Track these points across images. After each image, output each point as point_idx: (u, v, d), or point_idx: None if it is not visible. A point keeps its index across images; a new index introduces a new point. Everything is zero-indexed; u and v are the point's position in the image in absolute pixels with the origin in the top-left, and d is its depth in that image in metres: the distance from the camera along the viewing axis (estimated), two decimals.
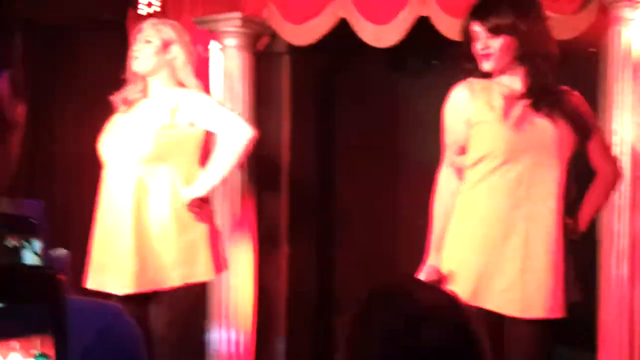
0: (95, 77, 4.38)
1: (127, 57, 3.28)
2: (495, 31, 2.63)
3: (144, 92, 3.28)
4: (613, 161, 2.88)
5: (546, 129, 2.62)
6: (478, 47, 2.67)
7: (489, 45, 2.64)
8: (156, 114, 3.20)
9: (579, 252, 2.71)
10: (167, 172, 3.19)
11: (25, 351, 0.69)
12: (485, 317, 2.59)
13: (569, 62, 3.50)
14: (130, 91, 3.28)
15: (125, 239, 3.14)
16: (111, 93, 3.32)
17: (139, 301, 3.16)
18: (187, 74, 3.28)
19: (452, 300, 1.36)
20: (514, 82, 2.68)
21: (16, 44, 0.86)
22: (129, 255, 3.12)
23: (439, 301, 1.34)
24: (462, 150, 2.70)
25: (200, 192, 3.19)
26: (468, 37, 2.70)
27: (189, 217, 3.20)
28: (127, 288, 3.14)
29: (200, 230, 3.24)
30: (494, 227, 2.62)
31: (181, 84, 3.28)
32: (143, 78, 3.27)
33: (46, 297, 0.70)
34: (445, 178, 2.75)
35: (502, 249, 2.61)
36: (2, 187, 0.90)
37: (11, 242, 0.90)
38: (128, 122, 3.24)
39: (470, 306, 2.56)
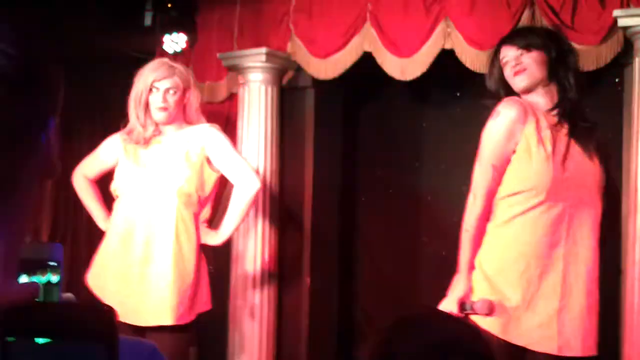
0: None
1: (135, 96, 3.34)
2: (527, 47, 2.67)
3: (157, 129, 3.36)
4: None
5: (587, 168, 2.61)
6: (511, 66, 2.68)
7: (522, 61, 2.66)
8: (189, 149, 3.29)
9: (603, 282, 2.69)
10: (197, 208, 3.32)
11: None
12: (508, 350, 2.57)
13: (593, 92, 3.51)
14: (146, 131, 3.33)
15: (166, 272, 3.21)
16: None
17: (142, 331, 3.21)
18: (197, 115, 3.39)
19: (474, 332, 1.36)
20: (546, 101, 2.68)
21: (60, 91, 0.88)
22: (173, 290, 3.20)
23: (461, 333, 1.34)
24: (503, 172, 2.65)
25: (221, 241, 3.43)
26: (498, 65, 2.72)
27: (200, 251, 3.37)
28: (166, 321, 3.19)
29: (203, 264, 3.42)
30: (531, 265, 2.59)
31: (189, 122, 3.37)
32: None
33: (103, 333, 0.73)
34: (482, 200, 2.67)
35: (539, 286, 2.58)
36: (30, 230, 0.92)
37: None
38: (160, 157, 3.30)
39: (495, 339, 2.54)
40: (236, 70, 4.38)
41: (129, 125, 3.35)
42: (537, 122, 2.61)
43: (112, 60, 4.79)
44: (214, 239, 3.39)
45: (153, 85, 3.29)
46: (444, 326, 1.35)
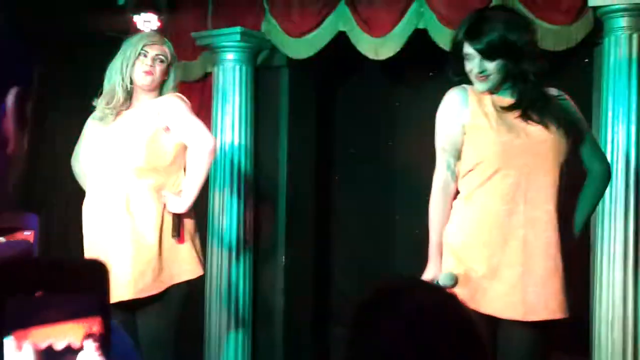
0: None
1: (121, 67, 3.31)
2: (489, 55, 2.64)
3: (131, 100, 3.35)
4: (604, 159, 2.90)
5: (540, 135, 2.65)
6: (473, 69, 2.67)
7: (484, 67, 2.65)
8: (144, 123, 3.27)
9: (573, 256, 2.75)
10: (155, 179, 3.28)
11: (79, 332, 0.74)
12: (480, 320, 2.61)
13: (563, 72, 3.55)
14: (121, 103, 3.32)
15: (122, 247, 3.21)
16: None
17: (128, 307, 3.22)
18: (173, 91, 3.37)
19: (453, 301, 1.37)
20: (504, 97, 2.71)
21: (33, 64, 0.89)
22: (128, 264, 3.20)
23: (439, 302, 1.36)
24: (459, 155, 2.71)
25: (185, 207, 3.30)
26: (460, 55, 2.72)
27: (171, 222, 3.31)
28: (125, 295, 3.19)
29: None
30: (492, 234, 2.64)
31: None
32: (134, 90, 3.32)
33: (95, 285, 0.76)
34: (441, 184, 2.74)
35: (501, 254, 2.63)
36: (5, 201, 0.93)
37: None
38: (117, 133, 3.29)
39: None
40: (210, 49, 4.39)
41: (107, 91, 3.32)
42: (480, 100, 2.67)
43: (85, 39, 4.76)
44: (177, 206, 3.31)
45: (143, 49, 3.29)
46: (419, 295, 1.37)
